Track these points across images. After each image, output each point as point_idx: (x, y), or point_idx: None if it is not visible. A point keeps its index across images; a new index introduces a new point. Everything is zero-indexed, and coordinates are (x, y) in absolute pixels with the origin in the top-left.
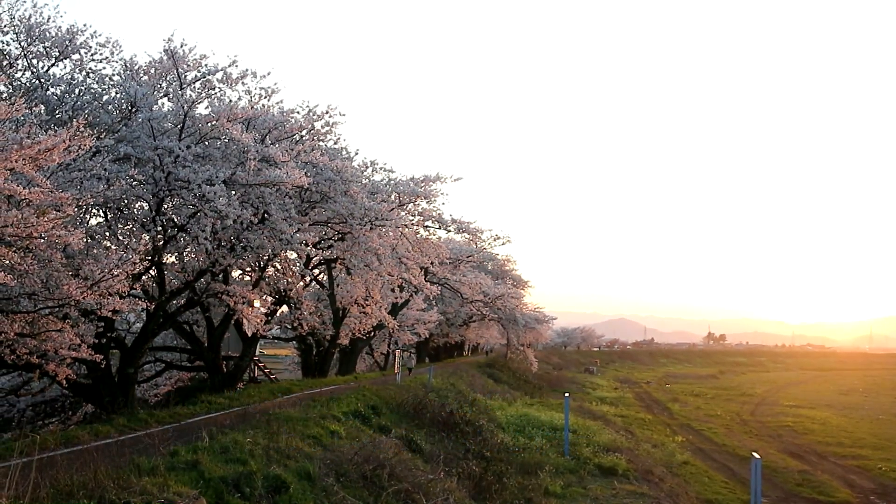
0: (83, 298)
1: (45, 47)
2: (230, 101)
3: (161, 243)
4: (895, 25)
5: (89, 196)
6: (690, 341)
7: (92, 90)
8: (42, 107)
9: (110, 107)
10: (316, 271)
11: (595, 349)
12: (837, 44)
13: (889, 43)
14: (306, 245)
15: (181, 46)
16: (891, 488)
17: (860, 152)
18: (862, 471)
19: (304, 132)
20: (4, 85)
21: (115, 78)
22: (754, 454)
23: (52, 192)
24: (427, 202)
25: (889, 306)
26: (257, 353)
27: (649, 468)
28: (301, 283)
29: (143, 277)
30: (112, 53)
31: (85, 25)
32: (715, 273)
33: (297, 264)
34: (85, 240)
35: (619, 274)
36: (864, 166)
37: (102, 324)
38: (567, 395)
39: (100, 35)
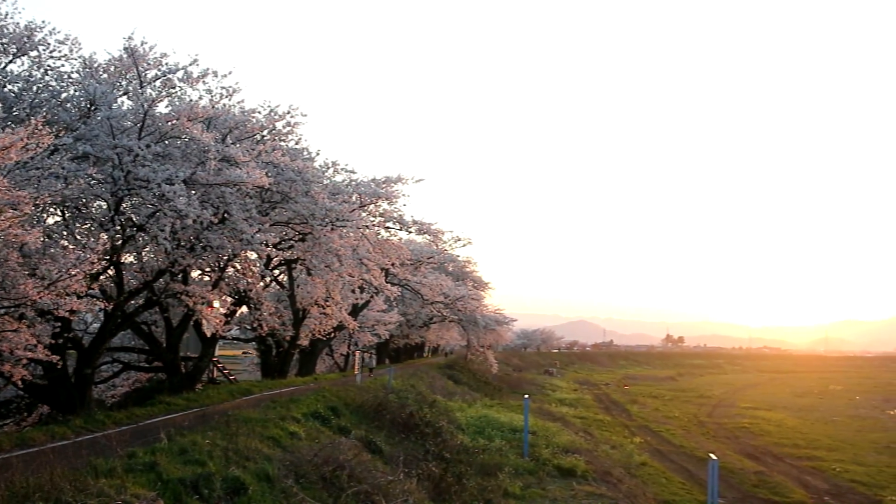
0: (40, 298)
1: (2, 44)
2: (191, 100)
3: (119, 243)
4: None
5: (47, 195)
6: (649, 343)
7: (50, 88)
8: None
9: (69, 105)
10: (276, 272)
11: (555, 351)
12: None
13: (846, 49)
14: (267, 245)
15: (141, 44)
16: (845, 489)
17: (820, 161)
18: (817, 472)
19: (265, 132)
20: None
21: (74, 75)
22: (711, 455)
23: (8, 190)
24: (388, 203)
25: (844, 310)
26: (216, 353)
27: (608, 469)
28: (261, 284)
29: (101, 277)
30: (71, 51)
31: (43, 22)
32: (675, 276)
33: (258, 265)
34: (42, 239)
35: (579, 276)
36: (823, 175)
37: (59, 324)
38: (527, 396)
39: (58, 32)
